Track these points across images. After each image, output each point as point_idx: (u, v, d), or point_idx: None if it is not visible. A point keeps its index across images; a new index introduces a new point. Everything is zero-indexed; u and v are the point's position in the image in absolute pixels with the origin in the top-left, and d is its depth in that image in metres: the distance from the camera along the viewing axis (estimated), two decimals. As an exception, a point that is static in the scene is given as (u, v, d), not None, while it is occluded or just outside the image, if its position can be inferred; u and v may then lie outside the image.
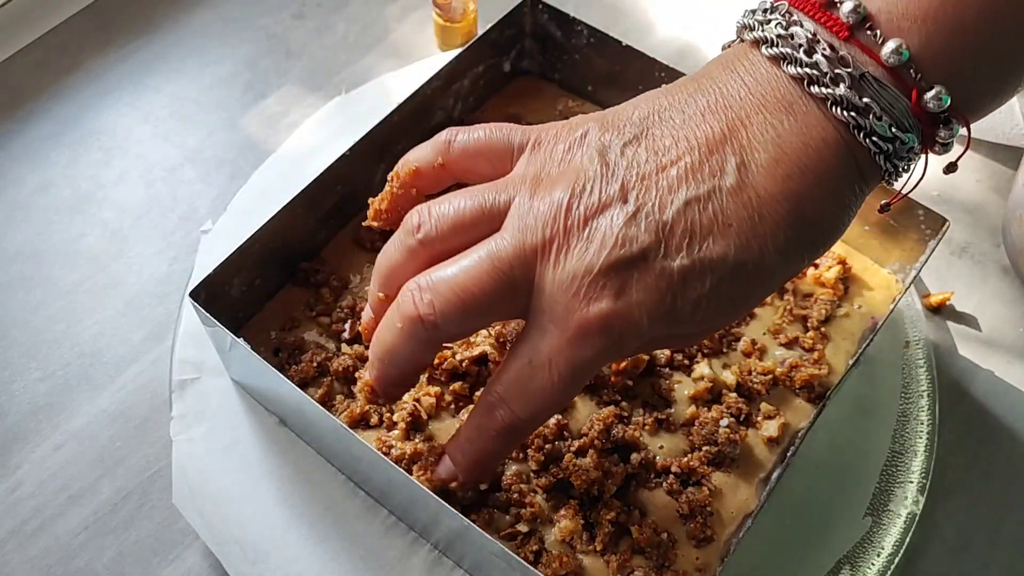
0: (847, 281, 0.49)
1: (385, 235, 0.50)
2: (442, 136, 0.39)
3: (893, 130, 0.31)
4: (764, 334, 0.47)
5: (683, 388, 0.45)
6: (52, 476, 0.47)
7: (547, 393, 0.33)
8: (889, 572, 0.42)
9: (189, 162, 0.59)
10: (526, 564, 0.35)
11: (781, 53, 0.31)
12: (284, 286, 0.48)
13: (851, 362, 0.45)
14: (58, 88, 0.62)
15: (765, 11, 0.32)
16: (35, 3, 0.64)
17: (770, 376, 0.45)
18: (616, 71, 0.53)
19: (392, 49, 0.65)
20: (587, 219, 0.32)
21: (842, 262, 0.49)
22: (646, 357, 0.45)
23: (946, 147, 0.33)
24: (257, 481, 0.45)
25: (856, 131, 0.31)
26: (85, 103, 0.62)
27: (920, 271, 0.46)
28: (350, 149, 0.47)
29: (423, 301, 0.33)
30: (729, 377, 0.45)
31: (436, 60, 0.60)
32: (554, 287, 0.32)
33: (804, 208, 0.31)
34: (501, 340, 0.45)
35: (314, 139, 0.57)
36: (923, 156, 0.33)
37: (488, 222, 0.34)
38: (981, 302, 0.54)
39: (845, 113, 0.30)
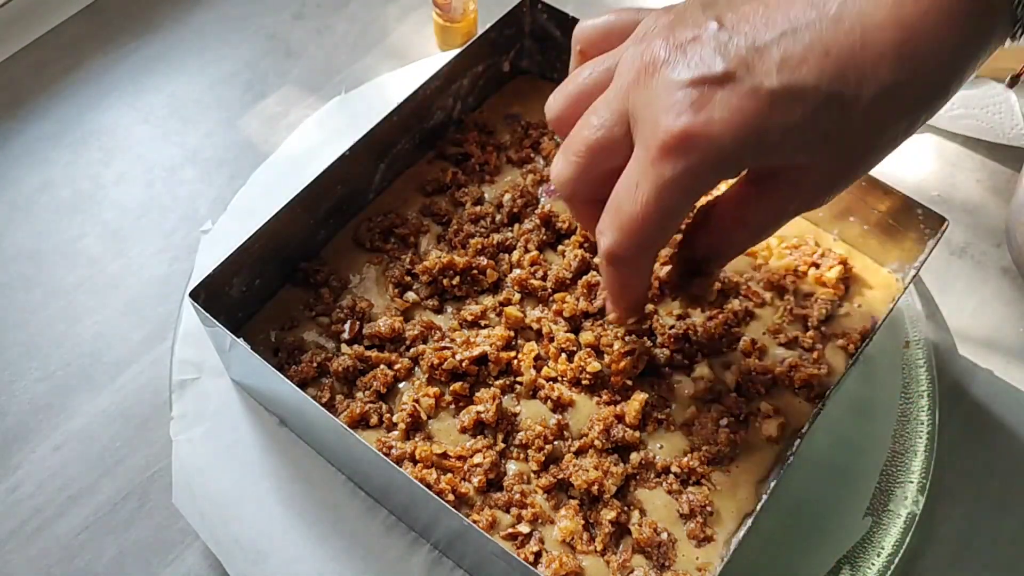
0: (847, 280, 0.49)
1: (383, 236, 0.50)
2: (575, 30, 0.40)
3: None
4: (764, 334, 0.47)
5: (683, 388, 0.45)
6: (52, 476, 0.47)
7: (635, 218, 0.33)
8: (889, 572, 0.42)
9: (189, 162, 0.59)
10: (526, 564, 0.35)
11: None
12: (284, 286, 0.48)
13: (850, 361, 0.45)
14: (58, 88, 0.62)
15: None
16: (35, 3, 0.64)
17: (770, 376, 0.45)
18: (616, 71, 0.53)
19: (392, 49, 0.65)
20: (677, 46, 0.32)
21: (843, 262, 0.49)
22: (647, 356, 0.45)
23: None
24: (257, 481, 0.45)
25: None
26: (85, 103, 0.62)
27: (919, 270, 0.46)
28: (349, 149, 0.47)
29: (554, 166, 0.37)
30: (729, 377, 0.45)
31: (436, 60, 0.60)
32: (642, 107, 0.32)
33: (915, 37, 0.29)
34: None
35: (314, 139, 0.57)
36: None
37: (603, 85, 0.35)
38: (981, 302, 0.54)
39: None
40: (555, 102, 0.38)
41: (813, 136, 0.31)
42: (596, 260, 0.48)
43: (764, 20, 0.31)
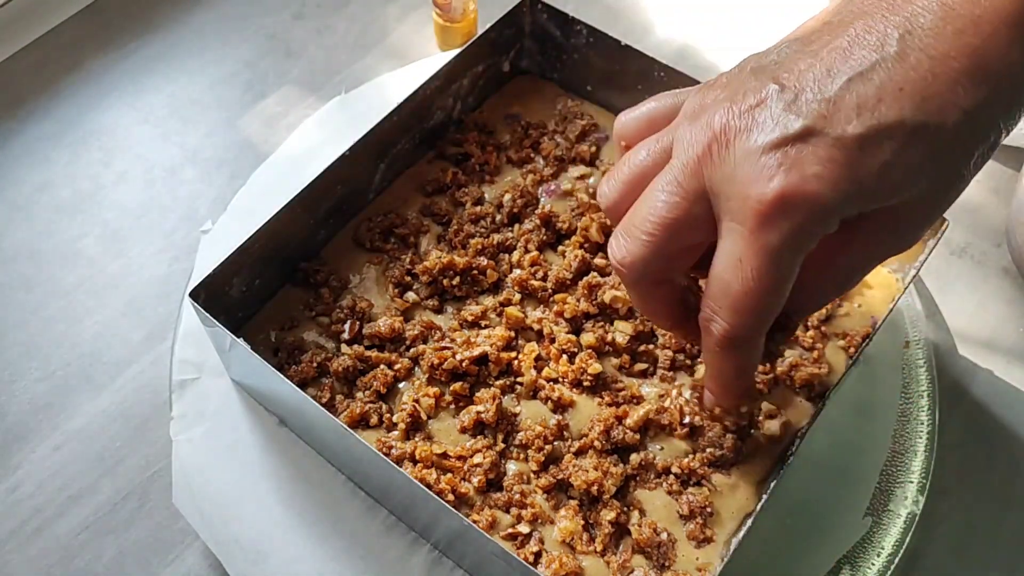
0: (847, 281, 0.49)
1: (383, 236, 0.50)
2: (616, 124, 0.39)
3: None
4: (764, 334, 0.47)
5: (684, 389, 0.45)
6: (52, 476, 0.47)
7: (749, 294, 0.31)
8: (889, 572, 0.42)
9: (189, 162, 0.59)
10: (526, 564, 0.35)
11: None
12: (284, 286, 0.48)
13: (851, 361, 0.45)
14: (58, 88, 0.62)
15: None
16: (35, 3, 0.64)
17: (770, 375, 0.45)
18: (615, 71, 0.53)
19: (392, 49, 0.65)
20: (744, 113, 0.31)
21: (842, 262, 0.49)
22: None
23: None
24: (257, 481, 0.45)
25: None
26: (85, 103, 0.62)
27: (920, 270, 0.46)
28: (349, 149, 0.47)
29: (617, 247, 0.34)
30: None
31: (436, 60, 0.60)
32: (724, 183, 0.31)
33: (985, 60, 0.29)
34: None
35: (314, 139, 0.57)
36: None
37: (662, 164, 0.34)
38: (981, 302, 0.54)
39: None
40: (611, 189, 0.36)
41: (907, 171, 0.30)
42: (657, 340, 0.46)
43: (825, 72, 0.30)
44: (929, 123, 0.29)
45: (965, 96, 0.29)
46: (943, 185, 0.32)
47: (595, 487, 0.41)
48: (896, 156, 0.30)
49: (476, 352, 0.44)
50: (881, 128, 0.29)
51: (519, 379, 0.45)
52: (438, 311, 0.48)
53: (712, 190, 0.32)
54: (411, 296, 0.48)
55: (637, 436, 0.43)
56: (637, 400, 0.44)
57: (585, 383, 0.45)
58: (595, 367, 0.44)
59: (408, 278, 0.48)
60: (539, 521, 0.41)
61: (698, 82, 0.49)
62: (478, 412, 0.43)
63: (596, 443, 0.43)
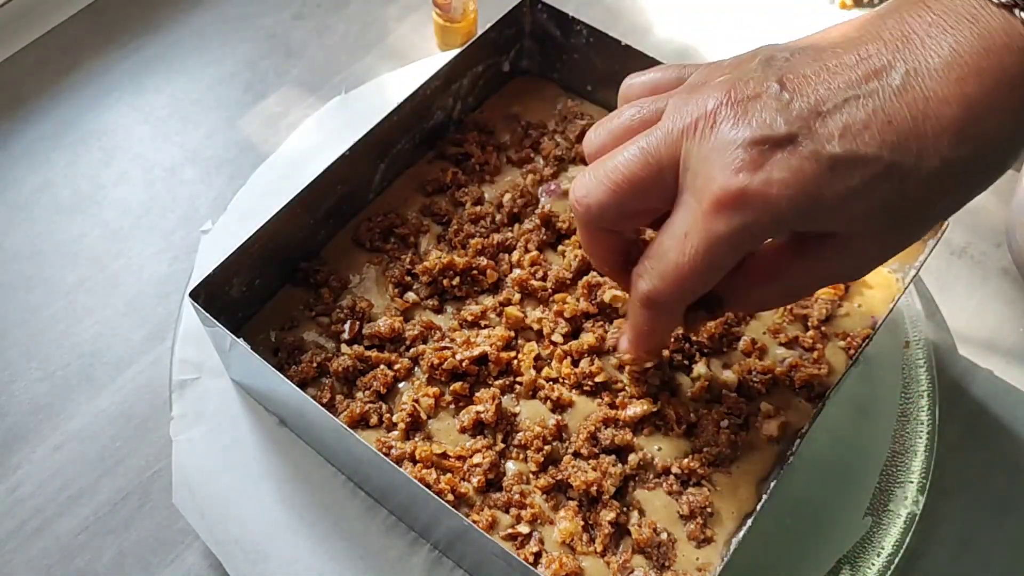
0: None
1: (383, 236, 0.50)
2: (622, 85, 0.39)
3: None
4: (764, 333, 0.47)
5: (682, 388, 0.45)
6: (52, 476, 0.47)
7: (680, 268, 0.33)
8: (889, 572, 0.42)
9: (189, 162, 0.59)
10: (526, 564, 0.35)
11: None
12: (284, 286, 0.48)
13: (851, 362, 0.45)
14: (58, 88, 0.62)
15: None
16: (35, 3, 0.64)
17: (770, 375, 0.45)
18: (615, 71, 0.53)
19: (392, 49, 0.65)
20: (738, 102, 0.31)
21: (842, 262, 0.48)
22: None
23: None
24: (257, 481, 0.45)
25: None
26: (85, 103, 0.62)
27: (919, 270, 0.46)
28: (350, 149, 0.47)
29: (582, 185, 0.35)
30: (730, 376, 0.45)
31: (436, 60, 0.60)
32: (697, 161, 0.32)
33: (977, 115, 0.29)
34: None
35: (314, 139, 0.57)
36: None
37: (649, 124, 0.35)
38: (981, 302, 0.54)
39: None
40: (597, 136, 0.37)
41: (869, 205, 0.30)
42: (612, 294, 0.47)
43: (826, 84, 0.30)
44: (904, 164, 0.30)
45: (948, 147, 0.29)
46: (900, 228, 0.32)
47: (594, 488, 0.41)
48: (863, 186, 0.30)
49: (476, 352, 0.44)
50: (858, 156, 0.30)
51: (519, 379, 0.45)
52: (438, 311, 0.48)
53: (684, 163, 0.32)
54: (411, 296, 0.48)
55: (629, 436, 0.43)
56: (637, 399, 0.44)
57: (586, 387, 0.45)
58: (602, 376, 0.44)
59: (408, 278, 0.48)
60: (539, 521, 0.41)
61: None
62: (477, 412, 0.43)
63: (583, 450, 0.42)
